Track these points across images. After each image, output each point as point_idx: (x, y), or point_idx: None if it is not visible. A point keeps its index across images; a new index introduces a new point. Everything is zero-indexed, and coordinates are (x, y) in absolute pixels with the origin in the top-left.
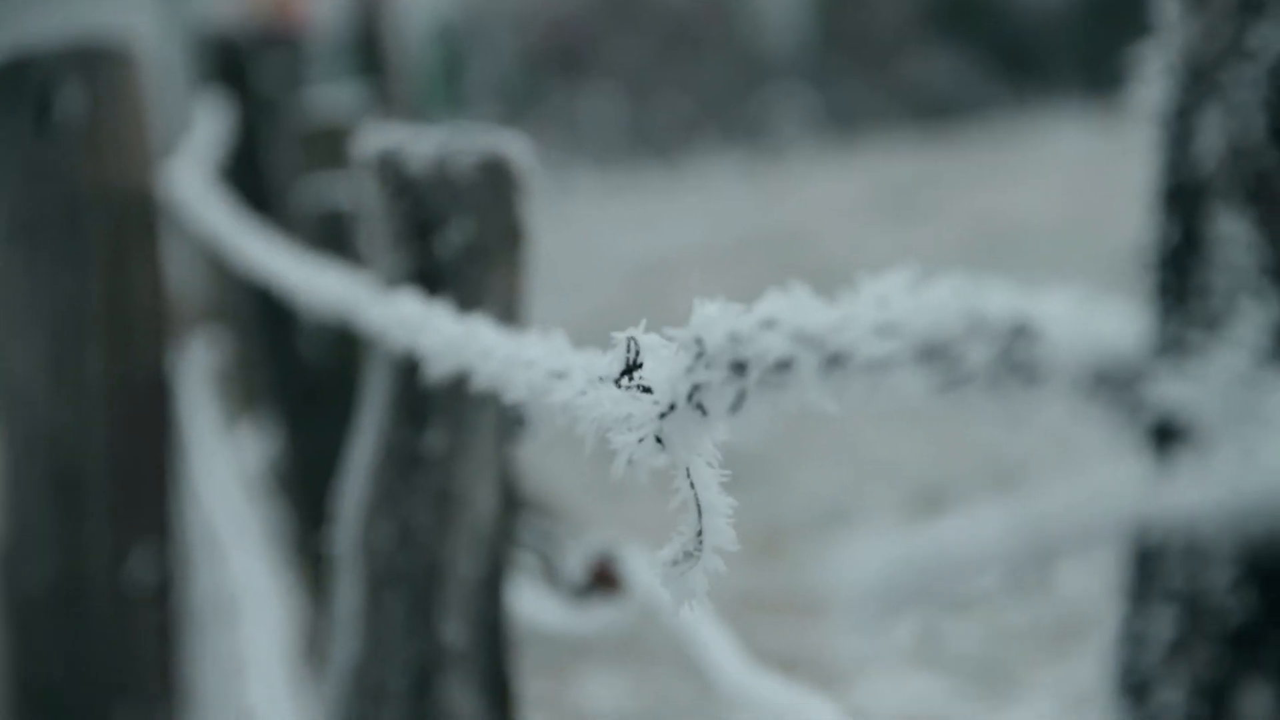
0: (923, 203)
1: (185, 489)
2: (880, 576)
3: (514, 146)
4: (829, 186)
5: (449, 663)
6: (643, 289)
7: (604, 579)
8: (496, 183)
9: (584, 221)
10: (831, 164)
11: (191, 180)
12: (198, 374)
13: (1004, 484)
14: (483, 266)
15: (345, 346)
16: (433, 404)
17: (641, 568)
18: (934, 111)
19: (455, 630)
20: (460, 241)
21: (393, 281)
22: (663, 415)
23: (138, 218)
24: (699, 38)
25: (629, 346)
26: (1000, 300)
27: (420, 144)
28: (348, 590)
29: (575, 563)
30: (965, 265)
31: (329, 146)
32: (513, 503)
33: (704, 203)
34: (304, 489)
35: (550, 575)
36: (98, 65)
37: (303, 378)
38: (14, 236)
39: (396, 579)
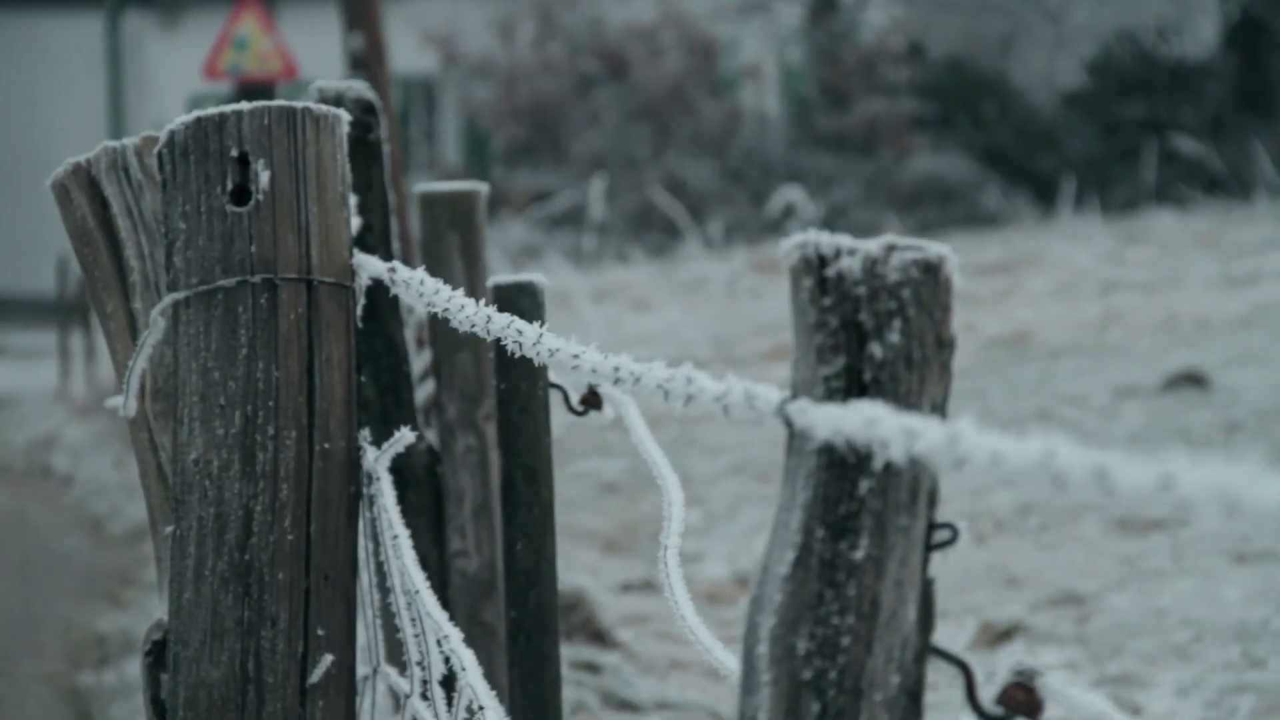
0: None
1: (371, 577)
2: None
3: (943, 249)
4: None
5: None
6: None
7: (1024, 700)
8: (932, 286)
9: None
10: None
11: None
12: (383, 460)
13: (1074, 614)
14: (919, 371)
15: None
16: (862, 511)
17: (1062, 689)
18: (932, 213)
19: None
20: (898, 346)
21: (826, 386)
22: None
23: (334, 297)
24: (675, 127)
25: None
26: None
27: (852, 247)
28: (765, 695)
29: (996, 681)
30: (996, 373)
31: (451, 211)
32: (931, 614)
33: (701, 304)
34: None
35: (968, 691)
36: (302, 134)
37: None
38: (209, 316)
39: (819, 688)
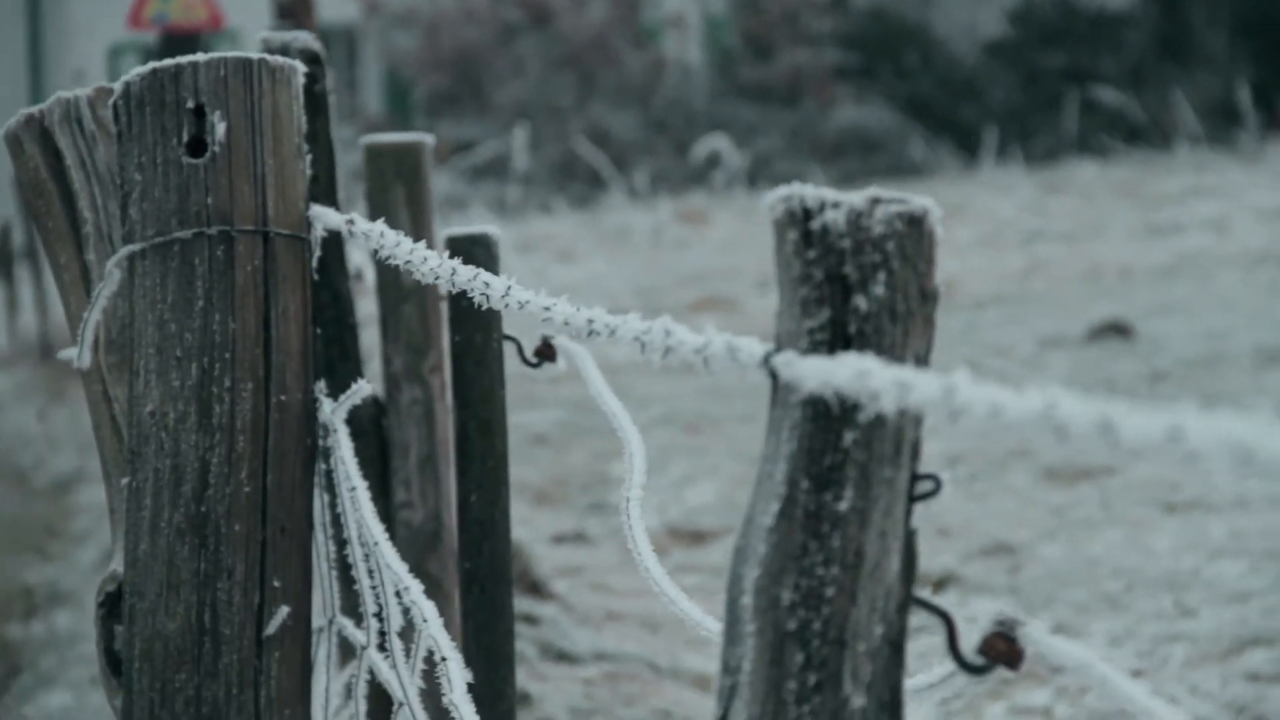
0: None
1: (328, 527)
2: None
3: (927, 203)
4: (746, 241)
5: None
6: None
7: (1005, 650)
8: (916, 239)
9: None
10: (753, 217)
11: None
12: (340, 413)
13: (1005, 563)
14: (903, 324)
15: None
16: (846, 462)
17: (1044, 638)
18: (855, 164)
19: (861, 693)
20: (882, 298)
21: (811, 338)
22: None
23: (290, 249)
24: (599, 77)
25: None
26: None
27: (836, 200)
28: (750, 646)
29: (975, 630)
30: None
31: (397, 163)
32: (913, 565)
33: (626, 254)
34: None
35: (949, 641)
36: (258, 85)
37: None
38: (166, 268)
39: (803, 639)
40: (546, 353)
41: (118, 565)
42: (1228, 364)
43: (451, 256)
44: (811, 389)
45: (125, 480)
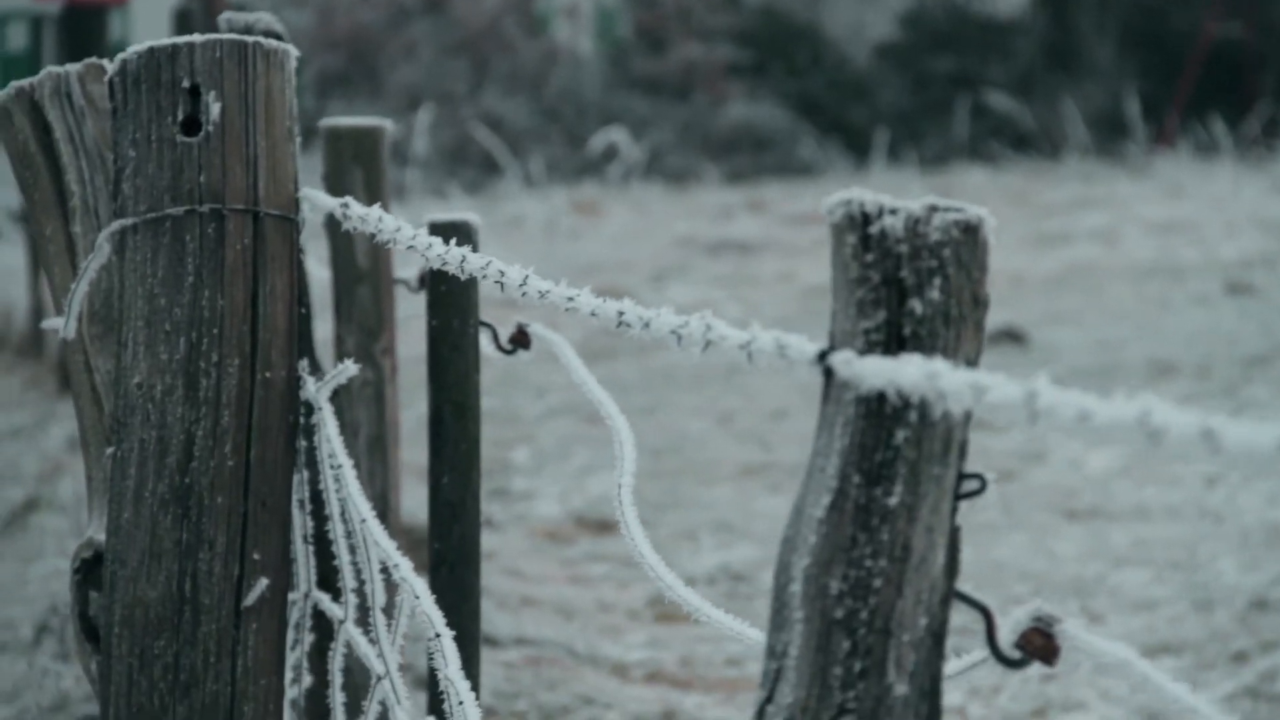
0: (744, 254)
1: (306, 503)
2: None
3: (982, 212)
4: (640, 234)
5: (895, 713)
6: None
7: (1042, 645)
8: (971, 246)
9: None
10: (645, 209)
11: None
12: (325, 391)
13: None
14: (956, 328)
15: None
16: (897, 459)
17: (1080, 634)
18: (746, 161)
19: (904, 681)
20: (937, 302)
21: (866, 338)
22: None
23: (279, 229)
24: (492, 64)
25: None
26: None
27: (894, 206)
28: (797, 632)
29: (1011, 624)
30: (817, 322)
31: (355, 146)
32: (956, 560)
33: (521, 243)
34: None
35: (988, 634)
36: (252, 68)
37: None
38: (157, 244)
39: (850, 627)
40: (521, 339)
41: (95, 532)
42: (1122, 374)
43: None
44: (871, 387)
45: (109, 450)
